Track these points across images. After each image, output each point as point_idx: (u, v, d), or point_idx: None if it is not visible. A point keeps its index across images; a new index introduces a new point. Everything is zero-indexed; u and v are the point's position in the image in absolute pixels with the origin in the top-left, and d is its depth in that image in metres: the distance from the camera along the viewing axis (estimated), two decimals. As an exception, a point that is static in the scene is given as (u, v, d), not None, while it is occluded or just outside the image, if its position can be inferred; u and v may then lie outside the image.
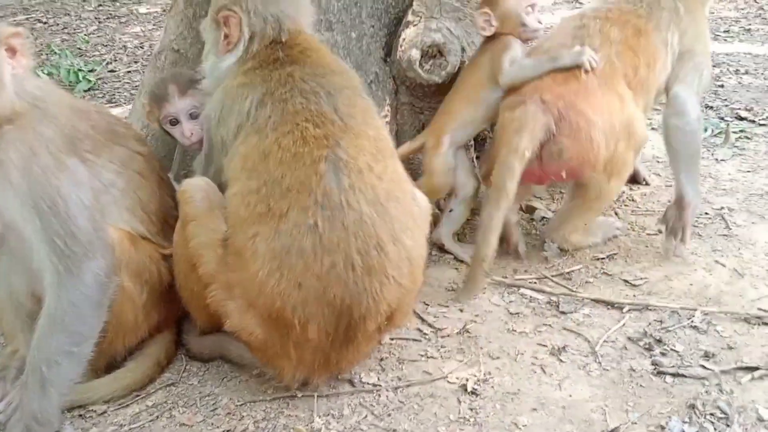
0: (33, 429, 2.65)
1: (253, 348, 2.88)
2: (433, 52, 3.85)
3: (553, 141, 3.50)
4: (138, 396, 2.96)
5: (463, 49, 3.90)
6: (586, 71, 3.56)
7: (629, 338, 3.28)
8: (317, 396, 2.93)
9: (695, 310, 3.42)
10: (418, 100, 4.09)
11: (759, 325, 3.32)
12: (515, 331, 3.33)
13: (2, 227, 2.83)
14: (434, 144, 3.85)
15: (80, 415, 2.86)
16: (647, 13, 3.87)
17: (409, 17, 3.96)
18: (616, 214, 4.28)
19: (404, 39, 3.90)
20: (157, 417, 2.85)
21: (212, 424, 2.81)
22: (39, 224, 2.65)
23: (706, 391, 2.95)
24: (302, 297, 2.65)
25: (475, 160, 4.14)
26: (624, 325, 3.36)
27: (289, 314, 2.67)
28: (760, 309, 3.42)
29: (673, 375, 3.04)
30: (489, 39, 3.84)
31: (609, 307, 3.50)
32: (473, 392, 2.96)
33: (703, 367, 3.08)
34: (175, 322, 3.19)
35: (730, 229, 4.09)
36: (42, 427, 2.66)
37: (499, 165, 3.49)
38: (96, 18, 8.86)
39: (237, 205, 2.77)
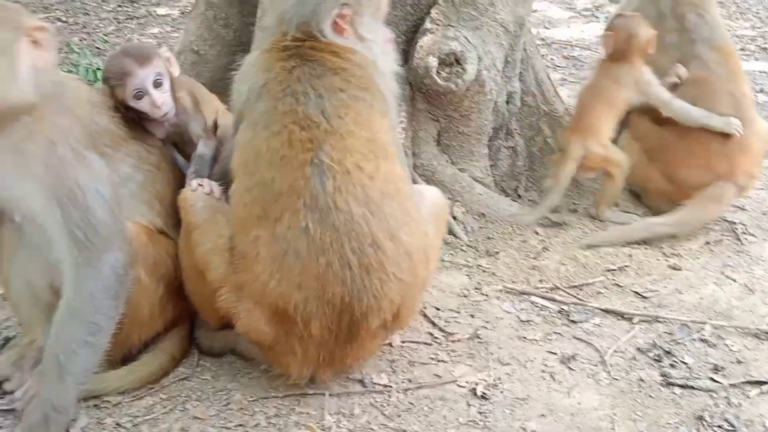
0: (50, 417, 2.67)
1: (262, 346, 2.92)
2: (450, 60, 3.89)
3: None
4: (152, 388, 2.99)
5: (479, 58, 3.94)
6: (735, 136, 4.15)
7: (639, 349, 3.30)
8: (328, 394, 2.96)
9: (705, 323, 3.45)
10: (434, 108, 4.13)
11: (768, 340, 3.35)
12: (525, 338, 3.36)
13: (20, 218, 2.88)
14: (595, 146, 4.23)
15: (95, 405, 2.89)
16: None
17: (427, 25, 4.00)
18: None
19: (421, 46, 3.94)
20: (171, 410, 2.89)
21: (225, 418, 2.85)
22: (59, 215, 2.69)
23: (715, 404, 2.98)
24: (303, 296, 2.71)
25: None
26: (634, 336, 3.39)
27: (292, 312, 2.73)
28: (769, 324, 3.45)
29: (682, 387, 3.07)
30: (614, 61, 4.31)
31: (619, 317, 3.53)
32: (483, 396, 2.99)
33: (712, 379, 3.11)
34: (189, 317, 3.22)
35: (742, 245, 4.13)
36: (59, 415, 2.69)
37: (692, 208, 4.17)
38: (115, 18, 8.91)
39: (237, 201, 2.84)
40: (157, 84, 3.10)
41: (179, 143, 3.31)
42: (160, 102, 3.08)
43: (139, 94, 3.07)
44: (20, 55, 2.68)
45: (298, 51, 2.90)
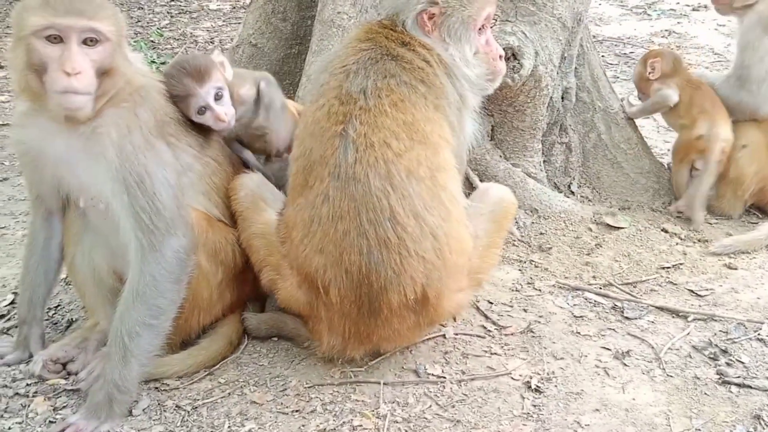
0: (114, 397, 2.75)
1: (302, 318, 3.07)
2: (507, 55, 3.87)
3: None
4: (210, 372, 3.05)
5: (536, 53, 3.93)
6: None
7: (694, 347, 3.28)
8: (383, 383, 3.00)
9: (762, 323, 3.41)
10: (489, 102, 4.10)
11: (828, 341, 3.30)
12: (579, 333, 3.35)
13: (85, 203, 2.96)
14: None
15: (156, 388, 2.96)
16: None
17: (485, 20, 4.00)
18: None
19: (479, 41, 3.94)
20: (229, 394, 2.94)
21: (281, 404, 2.89)
22: (126, 199, 2.76)
23: (773, 403, 2.94)
24: (323, 262, 2.84)
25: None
26: (689, 333, 3.36)
27: (314, 277, 2.87)
28: (829, 326, 3.39)
29: (739, 385, 3.04)
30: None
31: (674, 315, 3.50)
32: (537, 390, 2.99)
33: (770, 379, 3.08)
34: (246, 304, 3.28)
35: (800, 245, 4.06)
36: (122, 395, 2.76)
37: None
38: (168, 12, 9.08)
39: (290, 171, 3.01)
40: (218, 97, 3.15)
41: (244, 137, 3.36)
42: (223, 115, 3.13)
43: (202, 110, 3.12)
44: (126, 45, 2.85)
45: (376, 36, 3.02)
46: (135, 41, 7.50)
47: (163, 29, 8.36)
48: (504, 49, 3.82)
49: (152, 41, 7.82)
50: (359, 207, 2.77)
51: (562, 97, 4.38)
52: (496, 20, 3.95)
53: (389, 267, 2.80)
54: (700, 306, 3.57)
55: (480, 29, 3.13)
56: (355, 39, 3.05)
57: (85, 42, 2.64)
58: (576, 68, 4.46)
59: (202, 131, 3.17)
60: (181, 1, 9.66)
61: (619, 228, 4.18)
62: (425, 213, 2.81)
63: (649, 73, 4.53)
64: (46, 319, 3.38)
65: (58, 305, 3.55)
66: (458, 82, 3.08)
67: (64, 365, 3.06)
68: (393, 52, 2.97)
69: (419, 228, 2.80)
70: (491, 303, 3.55)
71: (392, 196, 2.77)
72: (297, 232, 2.90)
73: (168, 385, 2.98)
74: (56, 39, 2.61)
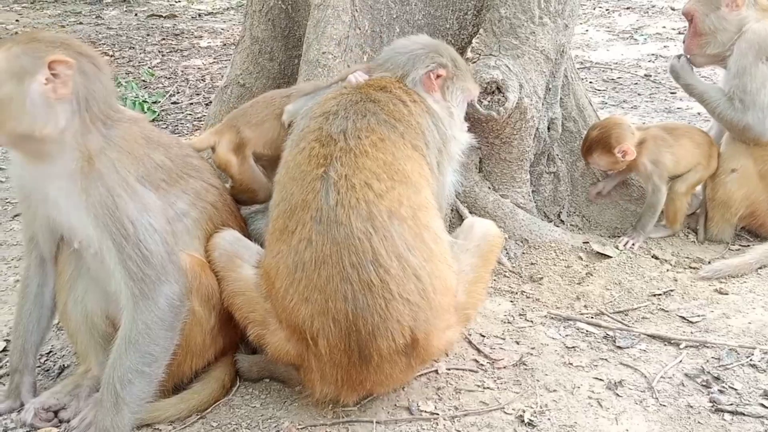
0: (105, 444, 2.75)
1: (295, 367, 3.04)
2: (491, 89, 3.93)
3: None
4: (202, 416, 3.03)
5: (521, 86, 3.98)
6: None
7: (686, 375, 3.28)
8: (375, 422, 2.98)
9: (754, 348, 3.42)
10: (475, 135, 4.12)
11: (820, 365, 3.30)
12: (571, 364, 3.36)
13: (79, 245, 2.95)
14: None
15: (148, 434, 2.96)
16: None
17: (468, 54, 4.05)
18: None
19: (464, 75, 3.98)
20: (221, 438, 2.94)
21: (274, 446, 2.89)
22: (112, 247, 2.76)
23: (765, 430, 2.94)
24: (310, 312, 2.81)
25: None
26: (681, 361, 3.37)
27: (302, 329, 2.84)
28: (820, 349, 3.40)
29: (732, 413, 3.04)
30: None
31: (666, 343, 3.51)
32: (530, 424, 2.98)
33: (763, 405, 3.07)
34: (238, 345, 3.28)
35: (790, 268, 4.08)
36: (114, 442, 2.76)
37: None
38: (159, 51, 9.16)
39: (270, 217, 3.00)
40: None
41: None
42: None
43: None
44: (32, 86, 2.64)
45: (366, 86, 3.10)
46: (126, 81, 7.55)
47: (155, 68, 8.43)
48: (488, 83, 3.91)
49: (144, 80, 7.88)
50: (341, 250, 2.75)
51: (549, 128, 4.43)
52: (479, 55, 4.00)
53: (375, 312, 2.77)
54: (691, 333, 3.58)
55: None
56: (344, 92, 3.10)
57: None
58: (561, 98, 4.50)
59: (201, 175, 3.16)
60: (172, 40, 9.75)
61: (609, 256, 4.20)
62: (408, 254, 2.80)
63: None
64: (38, 366, 3.37)
65: (50, 351, 3.55)
66: (442, 134, 3.16)
67: (56, 413, 3.05)
68: (370, 93, 3.03)
69: (402, 269, 2.78)
70: (483, 336, 3.56)
71: (374, 237, 2.76)
72: (281, 282, 2.86)
73: (160, 430, 2.96)
74: None
